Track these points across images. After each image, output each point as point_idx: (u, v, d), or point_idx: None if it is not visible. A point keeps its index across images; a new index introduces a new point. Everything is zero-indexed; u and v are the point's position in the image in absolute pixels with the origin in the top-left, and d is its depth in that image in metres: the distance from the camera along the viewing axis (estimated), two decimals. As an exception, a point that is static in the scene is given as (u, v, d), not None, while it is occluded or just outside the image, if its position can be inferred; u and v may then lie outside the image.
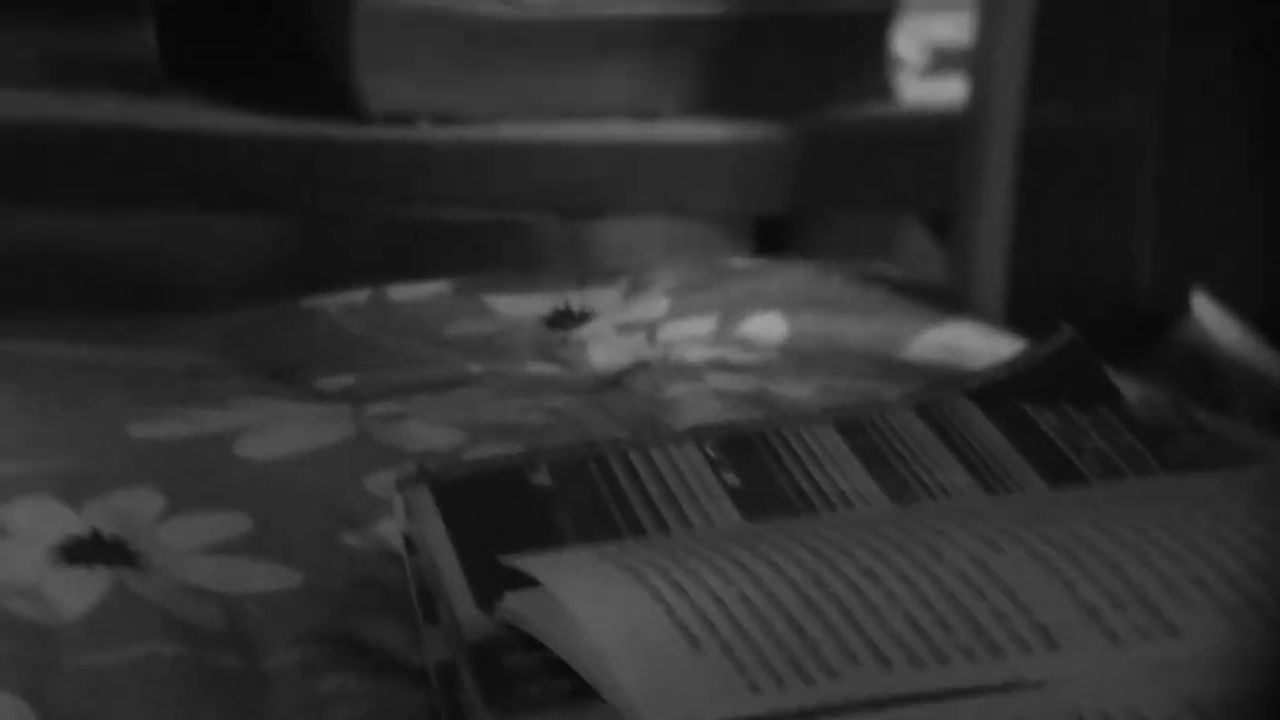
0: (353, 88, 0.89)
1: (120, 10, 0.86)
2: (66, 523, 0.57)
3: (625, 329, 0.76)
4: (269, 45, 0.92)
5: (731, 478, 0.55)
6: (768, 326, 0.73)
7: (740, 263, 0.85)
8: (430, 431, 0.64)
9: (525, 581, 0.48)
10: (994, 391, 0.57)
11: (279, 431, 0.63)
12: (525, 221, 1.11)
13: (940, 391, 0.58)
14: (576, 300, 0.78)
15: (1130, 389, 0.60)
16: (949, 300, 0.74)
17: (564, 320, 0.77)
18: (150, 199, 0.86)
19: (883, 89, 0.97)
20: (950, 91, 0.94)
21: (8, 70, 0.85)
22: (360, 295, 0.80)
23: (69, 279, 1.09)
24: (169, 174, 0.87)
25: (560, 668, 0.46)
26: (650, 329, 0.75)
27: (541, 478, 0.56)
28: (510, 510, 0.55)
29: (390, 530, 0.56)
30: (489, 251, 1.14)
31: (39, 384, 0.68)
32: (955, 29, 1.00)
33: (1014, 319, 0.74)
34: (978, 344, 0.67)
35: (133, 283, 1.10)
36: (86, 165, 0.85)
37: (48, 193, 0.85)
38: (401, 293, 0.80)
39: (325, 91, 0.90)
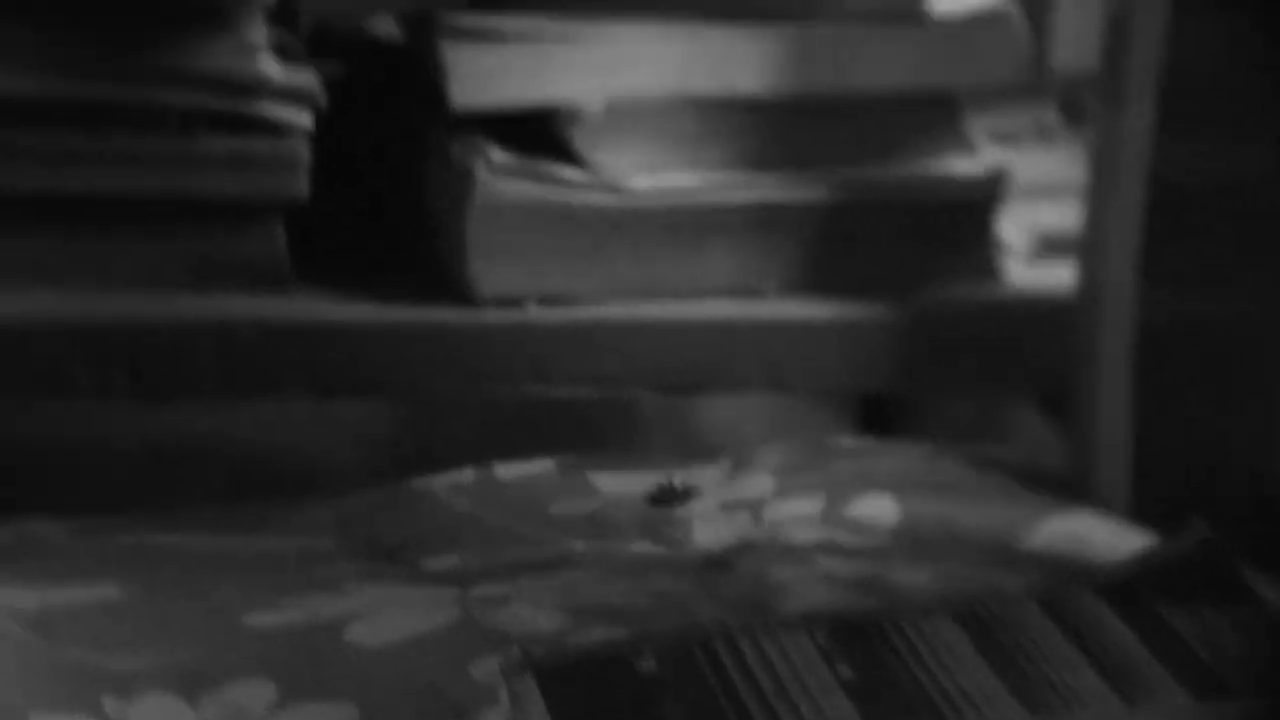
0: (464, 275, 0.91)
1: (253, 213, 0.89)
2: (184, 720, 0.58)
3: (730, 508, 0.75)
4: (386, 239, 0.96)
5: (845, 670, 0.53)
6: (878, 509, 0.72)
7: (847, 442, 0.85)
8: (534, 614, 0.63)
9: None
10: (1124, 589, 0.55)
11: (387, 617, 0.63)
12: (629, 399, 1.12)
13: (1065, 586, 0.56)
14: (680, 478, 0.77)
15: (1272, 592, 0.57)
16: (1068, 488, 0.73)
17: (668, 498, 0.77)
18: (271, 389, 0.89)
19: (989, 272, 0.97)
20: (1059, 277, 0.94)
21: (150, 275, 0.88)
22: (467, 474, 0.80)
23: (195, 470, 1.11)
24: (290, 364, 0.89)
25: None
26: (755, 508, 0.74)
27: (648, 665, 0.55)
28: (616, 699, 0.54)
29: (496, 719, 0.56)
30: (594, 429, 1.15)
31: (162, 575, 0.69)
32: (1061, 215, 1.00)
33: (1139, 510, 0.72)
34: (1102, 536, 0.65)
35: (251, 471, 1.12)
36: (216, 360, 0.89)
37: (180, 388, 0.88)
38: (507, 471, 0.80)
39: (438, 279, 0.93)
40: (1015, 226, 1.00)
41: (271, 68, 0.86)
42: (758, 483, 0.76)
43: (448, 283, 0.92)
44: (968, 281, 0.96)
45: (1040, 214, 1.02)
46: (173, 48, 0.85)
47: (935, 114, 0.97)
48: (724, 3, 0.95)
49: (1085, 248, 0.84)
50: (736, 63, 0.94)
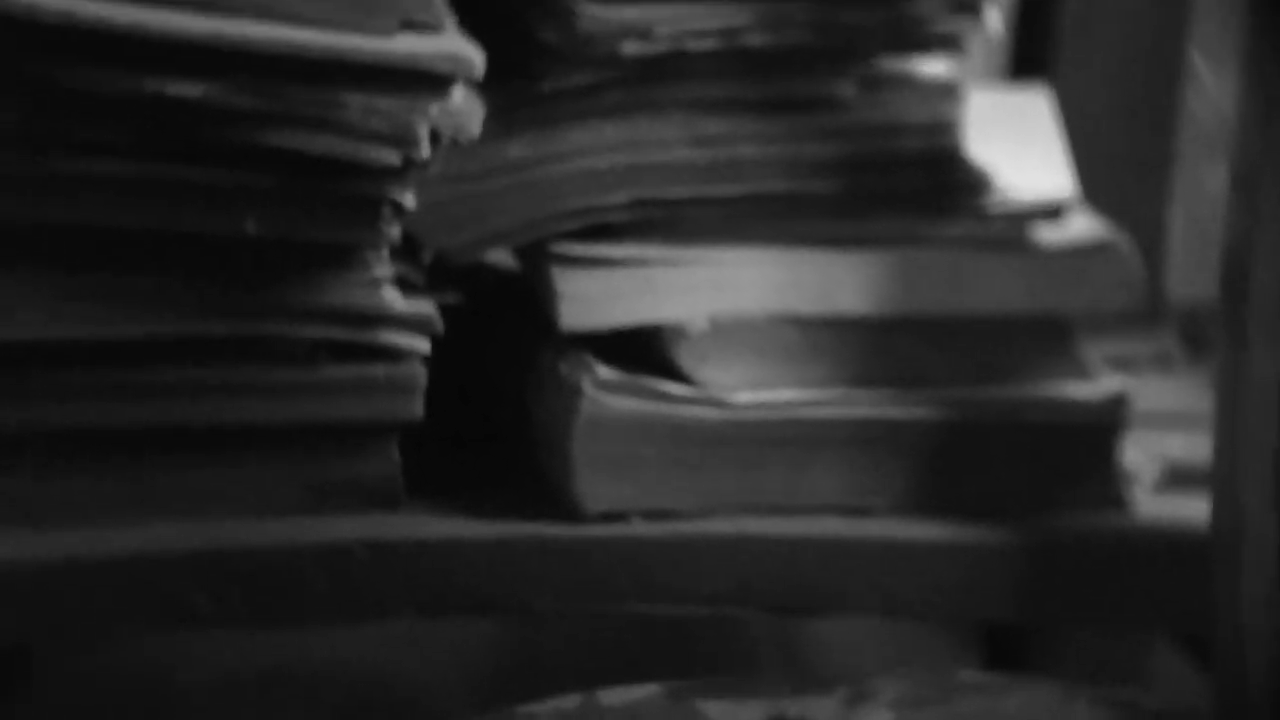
0: (570, 490, 0.92)
1: (369, 435, 0.91)
2: None
3: (845, 741, 0.75)
4: (495, 456, 0.97)
5: None
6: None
7: (971, 676, 0.84)
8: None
9: None
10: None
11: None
12: (738, 618, 1.12)
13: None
14: (793, 708, 0.77)
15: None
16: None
17: (781, 730, 0.76)
18: (381, 609, 0.90)
19: (1114, 501, 0.97)
20: (1189, 509, 0.93)
21: (267, 499, 0.90)
22: (571, 701, 0.80)
23: (308, 696, 1.13)
24: (399, 584, 0.91)
25: None
26: (872, 741, 0.74)
27: None
28: None
29: None
30: (701, 649, 1.15)
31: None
32: (1187, 446, 1.00)
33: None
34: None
35: (360, 696, 1.13)
36: (328, 582, 0.90)
37: (293, 612, 0.90)
38: (613, 697, 0.80)
39: (544, 494, 0.94)
40: (1140, 455, 1.00)
41: (394, 300, 0.89)
42: (876, 718, 0.76)
43: (554, 498, 0.93)
44: (1092, 510, 0.96)
45: (1165, 443, 1.01)
46: (304, 285, 0.88)
47: (1047, 337, 0.98)
48: (825, 228, 0.97)
49: (1217, 483, 0.82)
50: (839, 285, 0.96)
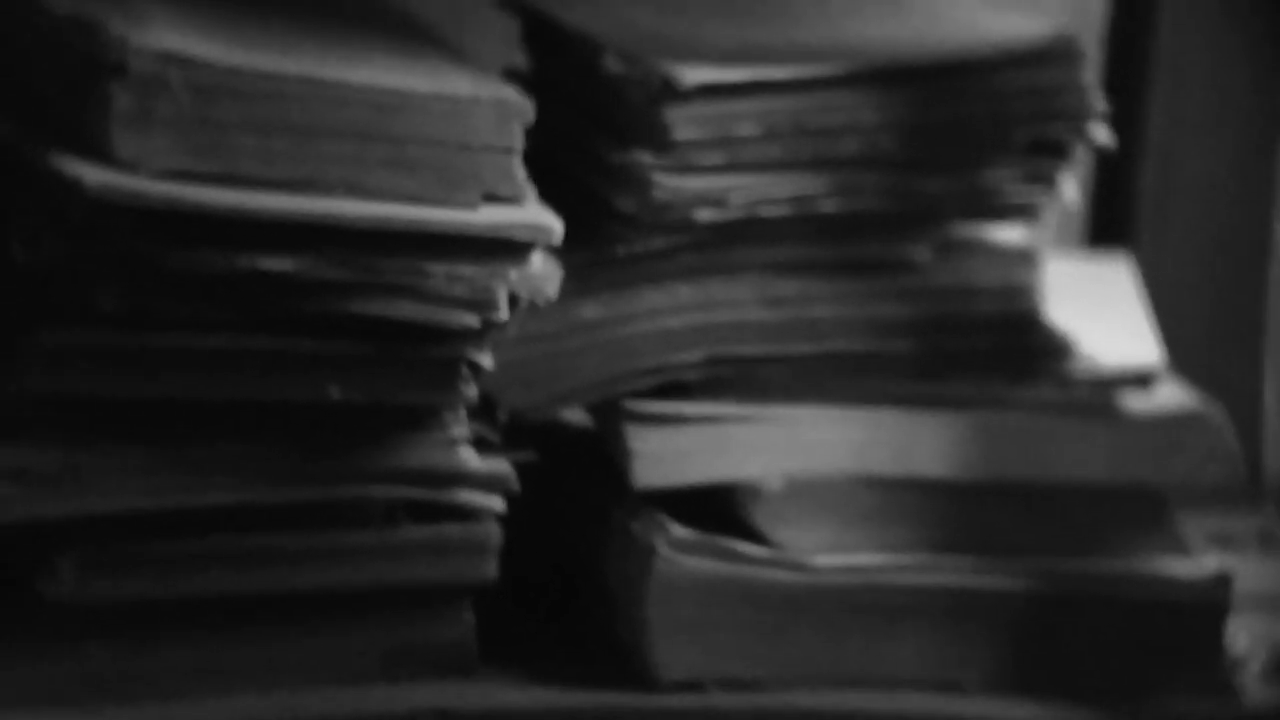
0: (645, 656, 0.93)
1: (443, 598, 0.93)
2: None
3: None
4: (569, 618, 0.99)
5: None
6: None
7: None
8: None
9: None
10: None
11: None
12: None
13: None
14: None
15: None
16: None
17: None
18: None
19: (1220, 687, 0.96)
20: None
21: (341, 667, 0.92)
22: None
23: None
24: None
25: None
26: None
27: None
28: None
29: None
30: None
31: None
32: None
33: None
34: None
35: None
36: None
37: None
38: None
39: (619, 660, 0.95)
40: (1246, 639, 0.99)
41: (470, 459, 0.92)
42: None
43: (629, 664, 0.94)
44: (1197, 696, 0.96)
45: (1272, 627, 1.01)
46: (382, 446, 0.90)
47: (1141, 510, 0.99)
48: (902, 388, 0.99)
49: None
50: (918, 446, 0.97)
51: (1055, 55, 1.00)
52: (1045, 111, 1.00)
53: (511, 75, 0.98)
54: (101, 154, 0.83)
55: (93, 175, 0.82)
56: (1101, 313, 1.09)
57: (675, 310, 0.97)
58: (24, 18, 0.88)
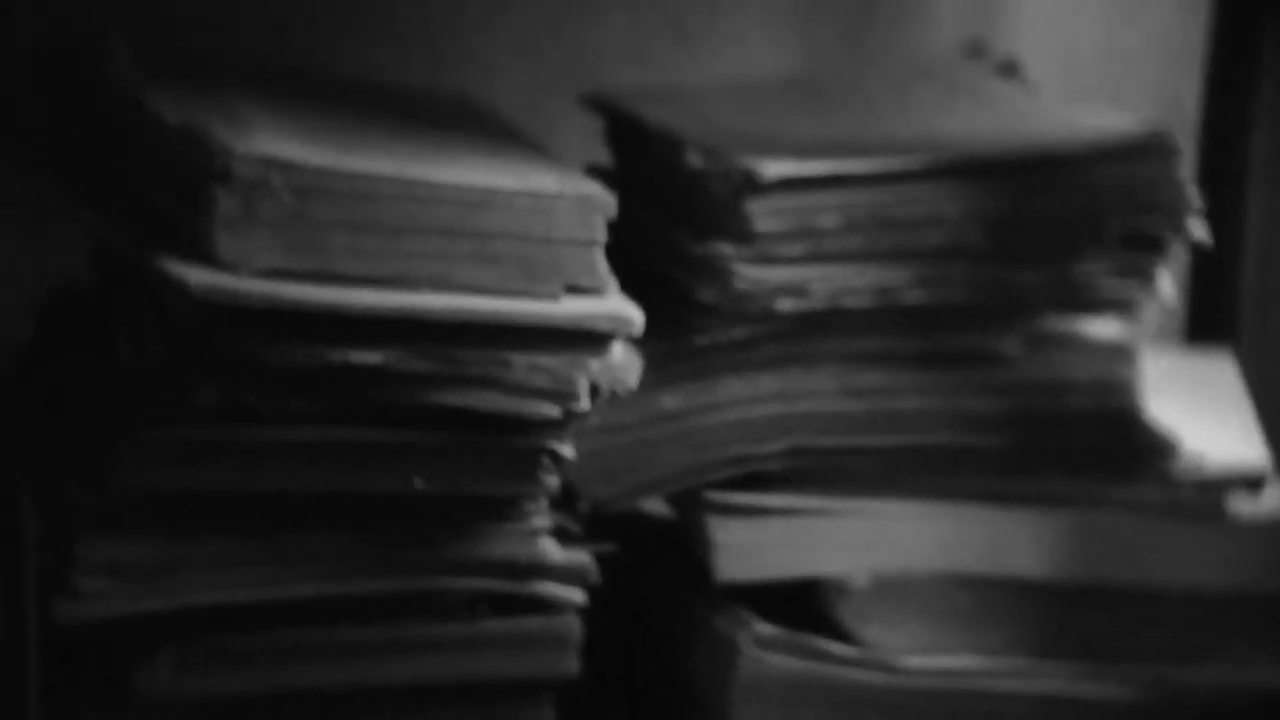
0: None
1: (525, 693, 0.99)
2: None
3: None
4: (650, 714, 1.05)
5: None
6: None
7: None
8: None
9: None
10: None
11: None
12: None
13: None
14: None
15: None
16: None
17: None
18: None
19: None
20: None
21: None
22: None
23: None
24: None
25: None
26: None
27: None
28: None
29: None
30: None
31: None
32: None
33: None
34: None
35: None
36: None
37: None
38: None
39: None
40: None
41: (551, 550, 0.97)
42: None
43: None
44: None
45: None
46: (464, 537, 0.96)
47: (1249, 617, 1.03)
48: (993, 484, 1.03)
49: None
50: (1011, 545, 1.01)
51: (1149, 150, 1.04)
52: (1139, 205, 1.04)
53: (594, 170, 1.04)
54: (205, 256, 0.90)
55: (197, 276, 0.89)
56: (1205, 411, 1.11)
57: (756, 400, 1.02)
58: (140, 129, 0.95)
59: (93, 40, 1.02)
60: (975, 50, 1.19)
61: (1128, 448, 1.04)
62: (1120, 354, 1.05)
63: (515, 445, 0.95)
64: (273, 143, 0.92)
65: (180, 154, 0.92)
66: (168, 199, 0.93)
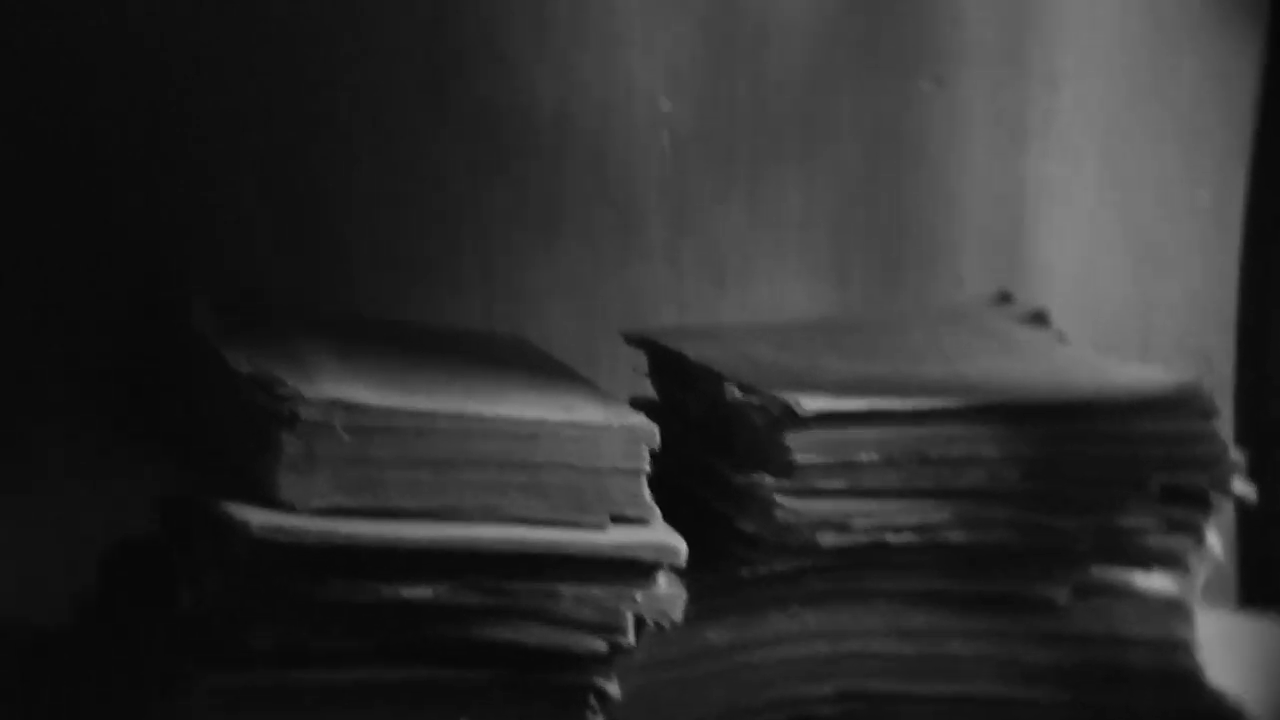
0: None
1: None
2: None
3: None
4: None
5: None
6: None
7: None
8: None
9: None
10: None
11: None
12: None
13: None
14: None
15: None
16: None
17: None
18: None
19: None
20: None
21: None
22: None
23: None
24: None
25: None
26: None
27: None
28: None
29: None
30: None
31: None
32: None
33: None
34: None
35: None
36: None
37: None
38: None
39: None
40: None
41: None
42: None
43: None
44: None
45: None
46: None
47: None
48: None
49: None
50: None
51: (1185, 405, 1.02)
52: (1179, 460, 1.01)
53: (639, 403, 1.03)
54: (266, 497, 0.89)
55: (258, 518, 0.88)
56: (1256, 679, 1.08)
57: (803, 638, 0.99)
58: (216, 378, 0.95)
59: (176, 297, 1.03)
60: (1003, 300, 1.18)
61: (1192, 713, 1.01)
62: (1177, 611, 1.02)
63: (562, 683, 0.94)
64: (336, 385, 0.92)
65: (250, 400, 0.92)
66: (236, 445, 0.94)
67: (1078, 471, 1.01)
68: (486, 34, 1.18)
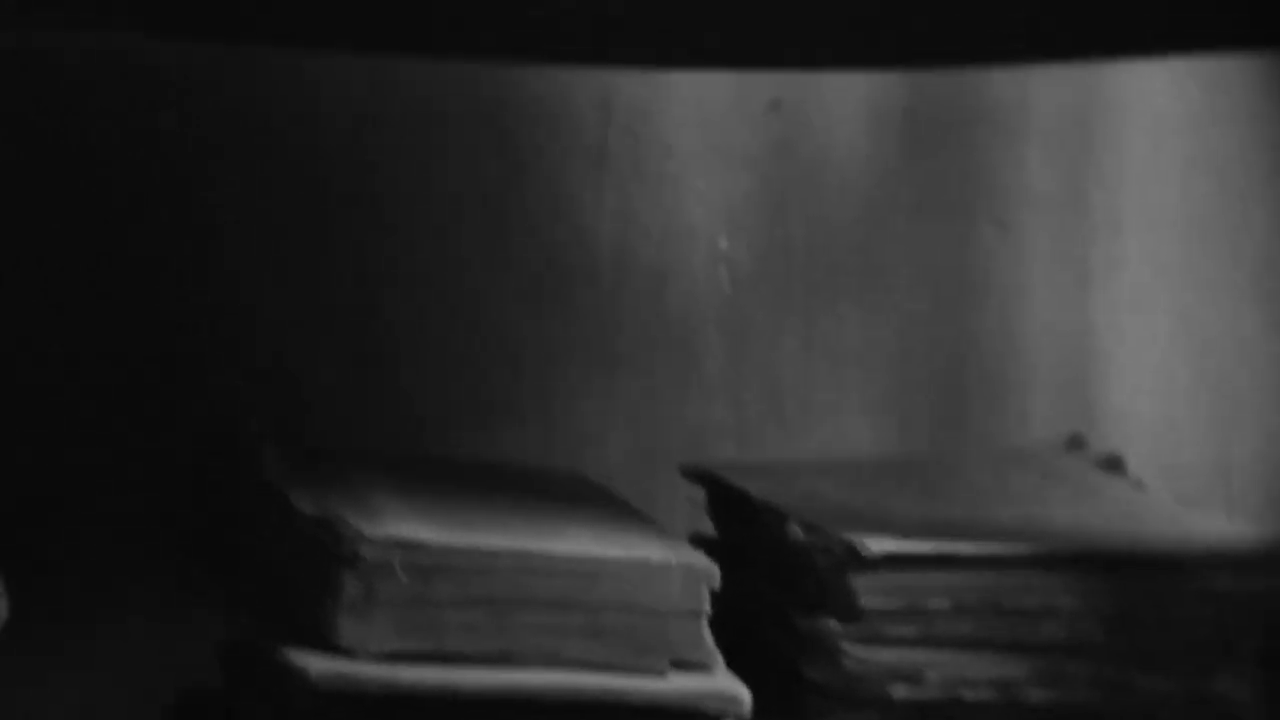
0: None
1: None
2: None
3: None
4: None
5: None
6: None
7: None
8: None
9: None
10: None
11: None
12: None
13: None
14: None
15: None
16: None
17: None
18: None
19: None
20: None
21: None
22: None
23: None
24: None
25: None
26: None
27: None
28: None
29: None
30: None
31: None
32: None
33: None
34: None
35: None
36: None
37: None
38: None
39: None
40: None
41: None
42: None
43: None
44: None
45: None
46: None
47: None
48: None
49: None
50: None
51: (1273, 561, 0.98)
52: (1270, 624, 0.97)
53: (698, 540, 0.99)
54: (326, 641, 0.87)
55: (317, 664, 0.86)
56: None
57: None
58: (281, 522, 0.94)
59: (244, 443, 1.02)
60: (1075, 444, 1.14)
61: None
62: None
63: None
64: (397, 525, 0.90)
65: (314, 542, 0.91)
66: (297, 589, 0.92)
67: (1162, 628, 0.97)
68: (548, 176, 1.18)
